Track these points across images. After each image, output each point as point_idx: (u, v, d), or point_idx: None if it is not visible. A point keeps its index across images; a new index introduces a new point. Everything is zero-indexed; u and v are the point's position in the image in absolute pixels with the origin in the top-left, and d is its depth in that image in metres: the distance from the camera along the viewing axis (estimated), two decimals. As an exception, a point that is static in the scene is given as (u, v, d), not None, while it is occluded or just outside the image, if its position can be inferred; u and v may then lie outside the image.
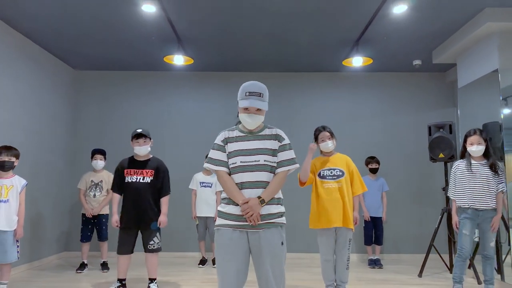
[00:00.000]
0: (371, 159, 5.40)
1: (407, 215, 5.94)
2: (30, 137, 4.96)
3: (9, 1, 3.93)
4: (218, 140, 2.29)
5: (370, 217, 5.24)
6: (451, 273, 4.88)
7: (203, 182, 5.17)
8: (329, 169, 3.50)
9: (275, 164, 2.24)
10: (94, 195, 4.83)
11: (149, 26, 4.51)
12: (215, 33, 4.72)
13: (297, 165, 2.29)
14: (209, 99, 6.18)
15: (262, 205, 2.15)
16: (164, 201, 3.78)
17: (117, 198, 3.77)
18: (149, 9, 3.69)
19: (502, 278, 4.21)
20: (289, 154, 2.27)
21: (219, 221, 2.22)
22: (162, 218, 3.71)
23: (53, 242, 5.54)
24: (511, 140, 4.30)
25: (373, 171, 5.37)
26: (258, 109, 2.21)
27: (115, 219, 3.70)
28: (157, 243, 3.72)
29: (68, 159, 5.94)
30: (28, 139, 4.90)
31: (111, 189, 3.89)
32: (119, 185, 3.76)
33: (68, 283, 4.22)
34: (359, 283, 4.31)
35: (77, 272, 4.72)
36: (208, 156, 2.30)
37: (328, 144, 3.52)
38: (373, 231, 5.27)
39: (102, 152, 4.93)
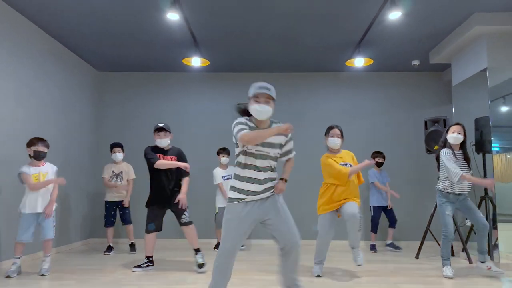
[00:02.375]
0: (378, 154, 5.88)
1: (406, 204, 6.37)
2: (60, 132, 5.46)
3: (43, 7, 4.44)
4: (242, 119, 2.64)
5: (378, 206, 5.73)
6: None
7: (224, 176, 5.64)
8: (343, 164, 3.95)
9: (279, 155, 2.73)
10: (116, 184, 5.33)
11: (169, 31, 5.01)
12: (229, 36, 5.20)
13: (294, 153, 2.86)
14: (222, 98, 6.66)
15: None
16: (185, 181, 4.23)
17: (161, 161, 4.12)
18: (173, 16, 4.18)
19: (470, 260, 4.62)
20: (292, 145, 2.81)
21: (234, 195, 2.62)
22: (182, 196, 4.15)
23: (79, 229, 6.05)
24: (498, 136, 4.74)
25: (379, 165, 5.85)
26: (268, 100, 2.58)
27: (181, 165, 4.10)
28: (188, 216, 4.17)
29: (92, 152, 6.45)
30: (58, 133, 5.40)
31: (153, 161, 4.10)
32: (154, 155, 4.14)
33: (99, 261, 4.71)
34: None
35: (105, 254, 5.21)
36: (239, 128, 2.56)
37: (335, 141, 3.96)
38: (379, 219, 5.74)
39: (119, 145, 5.44)
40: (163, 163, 4.10)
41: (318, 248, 3.99)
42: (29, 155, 4.07)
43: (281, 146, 2.72)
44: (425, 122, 5.43)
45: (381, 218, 5.83)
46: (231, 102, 6.64)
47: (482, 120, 4.96)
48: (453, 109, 5.62)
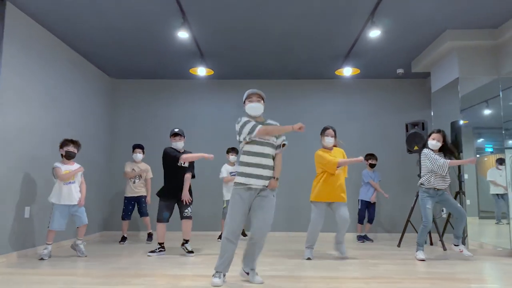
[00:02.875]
0: (371, 156, 6.52)
1: (391, 199, 7.00)
2: (78, 134, 6.11)
3: (67, 23, 5.09)
4: (245, 118, 3.28)
5: (366, 201, 6.37)
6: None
7: (231, 172, 6.26)
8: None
9: (274, 143, 3.33)
10: (134, 182, 5.98)
11: (178, 45, 5.65)
12: (232, 49, 5.84)
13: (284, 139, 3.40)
14: (225, 103, 7.31)
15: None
16: (186, 179, 4.83)
17: (185, 155, 4.79)
18: (182, 35, 4.82)
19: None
20: (283, 136, 3.39)
21: (242, 180, 3.23)
22: (184, 193, 4.77)
23: (95, 222, 6.69)
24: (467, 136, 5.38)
25: (372, 166, 6.49)
26: (259, 98, 3.29)
27: (206, 155, 4.69)
28: (190, 212, 4.83)
29: (107, 152, 7.10)
30: (77, 135, 6.04)
31: (178, 156, 4.76)
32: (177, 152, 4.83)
33: (117, 249, 5.36)
34: (346, 250, 5.40)
35: (120, 243, 5.85)
36: (249, 127, 3.20)
37: (329, 139, 4.65)
38: (366, 212, 6.38)
39: (141, 147, 6.08)
40: (187, 156, 4.75)
41: (310, 234, 4.63)
42: (61, 154, 4.72)
43: (277, 136, 3.36)
44: (406, 125, 6.07)
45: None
46: (233, 106, 7.29)
47: (456, 124, 5.60)
48: (432, 113, 6.25)
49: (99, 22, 4.95)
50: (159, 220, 4.81)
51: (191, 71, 6.16)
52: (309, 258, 4.59)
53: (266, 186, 3.29)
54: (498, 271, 3.95)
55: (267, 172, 3.28)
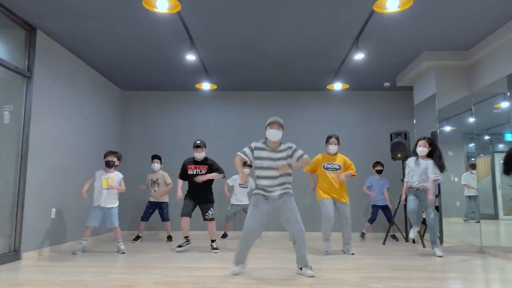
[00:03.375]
0: (378, 163, 7.16)
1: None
2: (95, 142, 6.76)
3: (85, 43, 5.76)
4: (252, 145, 3.96)
5: (377, 205, 6.96)
6: (406, 241, 6.63)
7: (241, 184, 6.90)
8: (329, 164, 5.33)
9: (282, 161, 3.91)
10: (154, 190, 6.64)
11: (185, 63, 6.31)
12: (234, 65, 6.50)
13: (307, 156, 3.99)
14: (227, 113, 7.97)
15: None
16: (214, 174, 5.50)
17: (181, 182, 5.58)
18: (190, 58, 5.49)
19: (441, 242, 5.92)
20: (299, 153, 3.95)
21: (257, 191, 3.90)
22: (201, 177, 5.44)
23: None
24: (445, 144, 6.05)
25: (379, 172, 7.12)
26: (279, 126, 3.89)
27: (179, 194, 5.46)
28: (211, 214, 5.45)
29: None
30: (93, 143, 6.70)
31: (179, 176, 5.62)
32: (183, 174, 5.59)
33: (136, 247, 6.02)
34: (337, 245, 6.06)
35: (133, 241, 6.50)
36: (243, 150, 3.95)
37: (333, 148, 5.34)
38: (376, 215, 7.00)
39: (158, 157, 6.74)
40: (199, 178, 5.43)
41: (325, 224, 5.20)
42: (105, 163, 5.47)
43: (287, 157, 3.93)
44: (391, 135, 6.74)
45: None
46: (234, 116, 7.95)
47: (433, 134, 6.27)
48: (414, 122, 6.91)
49: (116, 43, 5.60)
50: (182, 214, 5.39)
51: (197, 86, 6.83)
52: (326, 251, 5.23)
53: (282, 194, 3.87)
54: (457, 263, 4.62)
55: (281, 184, 3.88)
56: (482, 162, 5.93)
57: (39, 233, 5.12)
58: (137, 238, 6.59)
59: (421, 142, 5.31)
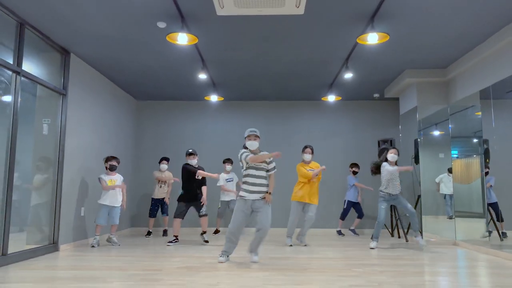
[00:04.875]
0: (354, 165, 7.98)
1: (366, 201, 8.47)
2: (113, 148, 7.58)
3: (109, 61, 6.58)
4: (243, 150, 4.66)
5: (351, 201, 7.78)
6: (392, 236, 7.45)
7: (227, 178, 7.75)
8: (310, 170, 6.12)
9: (266, 167, 4.73)
10: (161, 186, 7.47)
11: (196, 79, 7.14)
12: (239, 79, 7.32)
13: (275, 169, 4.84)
14: (232, 121, 8.79)
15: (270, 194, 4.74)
16: (204, 189, 6.40)
17: (200, 171, 6.35)
18: (202, 76, 6.32)
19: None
20: (273, 164, 4.81)
21: (242, 194, 4.66)
22: (204, 198, 6.31)
23: (125, 221, 8.17)
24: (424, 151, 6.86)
25: (354, 173, 7.93)
26: (256, 137, 4.71)
27: (215, 175, 6.30)
28: (205, 211, 6.31)
29: (134, 163, 8.58)
30: (112, 149, 7.52)
31: (195, 171, 6.27)
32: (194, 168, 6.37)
33: (143, 241, 6.84)
34: (328, 240, 6.87)
35: (146, 236, 7.32)
36: (244, 157, 4.65)
37: (307, 156, 6.16)
38: (349, 211, 7.82)
39: (167, 159, 7.57)
40: (202, 173, 6.27)
41: (289, 225, 6.16)
42: (106, 167, 6.20)
43: (269, 163, 4.78)
44: (378, 142, 7.56)
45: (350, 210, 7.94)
46: (238, 124, 8.77)
47: (416, 141, 7.08)
48: (400, 130, 7.72)
49: (135, 61, 6.42)
50: (177, 216, 6.22)
51: (206, 98, 7.66)
52: (290, 245, 6.10)
53: (262, 198, 4.65)
54: (431, 254, 5.44)
55: (262, 188, 4.67)
56: (475, 163, 6.68)
57: (72, 229, 5.94)
58: (149, 233, 7.42)
59: (393, 150, 6.09)
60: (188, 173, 6.33)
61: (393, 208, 7.51)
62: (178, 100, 8.76)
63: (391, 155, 6.10)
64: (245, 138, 4.78)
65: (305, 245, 6.17)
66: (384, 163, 6.16)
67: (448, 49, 5.79)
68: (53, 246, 5.47)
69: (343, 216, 7.88)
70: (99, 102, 6.88)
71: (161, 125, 8.84)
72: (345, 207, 7.87)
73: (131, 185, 8.41)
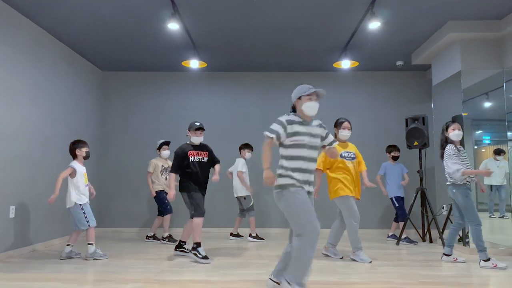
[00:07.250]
0: (394, 148, 5.98)
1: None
2: (69, 129, 5.91)
3: (55, 16, 4.87)
4: (283, 119, 2.91)
5: (399, 196, 5.78)
6: (424, 241, 5.82)
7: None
8: (346, 152, 4.48)
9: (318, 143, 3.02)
10: (166, 178, 5.80)
11: (169, 37, 5.44)
12: (226, 41, 5.63)
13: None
14: (218, 95, 7.11)
15: None
16: (216, 167, 4.66)
17: (174, 176, 4.48)
18: (173, 26, 4.60)
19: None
20: (332, 137, 3.14)
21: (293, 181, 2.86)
22: (216, 178, 4.52)
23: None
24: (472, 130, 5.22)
25: (395, 158, 5.97)
26: (317, 98, 2.97)
27: (172, 194, 4.41)
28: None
29: (99, 147, 6.92)
30: (67, 130, 5.85)
31: (172, 171, 4.45)
32: (180, 166, 4.49)
33: (160, 250, 5.23)
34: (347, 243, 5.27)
35: (164, 241, 5.65)
36: (270, 127, 2.90)
37: (347, 132, 4.47)
38: (404, 208, 5.79)
39: (167, 143, 5.89)
40: (172, 178, 4.45)
41: (355, 232, 4.39)
42: (76, 155, 4.52)
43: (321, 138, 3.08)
44: (406, 120, 5.90)
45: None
46: (226, 98, 7.09)
47: (458, 118, 5.42)
48: (432, 106, 6.07)
49: (88, 14, 4.73)
50: (202, 214, 4.41)
51: (183, 63, 5.95)
52: (370, 262, 4.34)
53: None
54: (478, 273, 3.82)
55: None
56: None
57: (-6, 236, 4.30)
58: (170, 238, 5.68)
59: (456, 125, 4.28)
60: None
61: (425, 204, 5.83)
62: (152, 70, 7.07)
63: (455, 132, 4.28)
64: (300, 97, 3.00)
65: (353, 259, 4.41)
66: (448, 146, 4.27)
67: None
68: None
69: (401, 218, 5.80)
70: (42, 66, 5.18)
71: (132, 100, 7.15)
72: (396, 205, 5.81)
73: (93, 172, 6.75)
